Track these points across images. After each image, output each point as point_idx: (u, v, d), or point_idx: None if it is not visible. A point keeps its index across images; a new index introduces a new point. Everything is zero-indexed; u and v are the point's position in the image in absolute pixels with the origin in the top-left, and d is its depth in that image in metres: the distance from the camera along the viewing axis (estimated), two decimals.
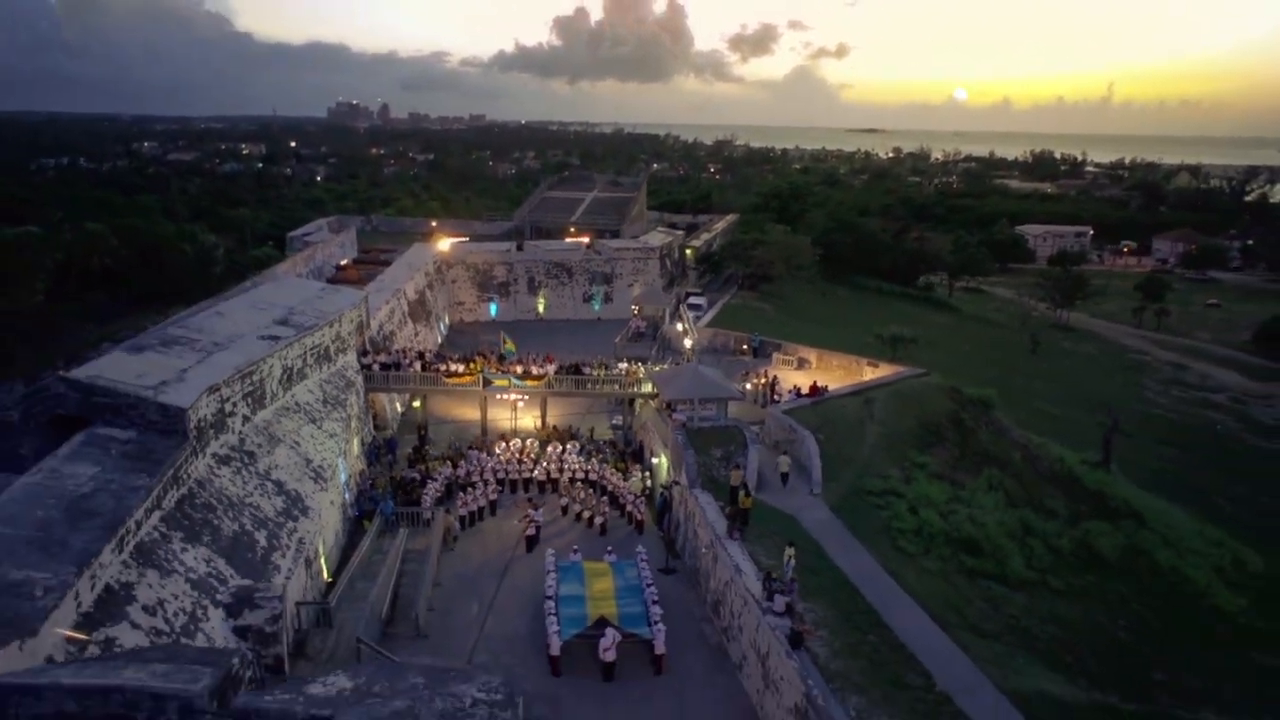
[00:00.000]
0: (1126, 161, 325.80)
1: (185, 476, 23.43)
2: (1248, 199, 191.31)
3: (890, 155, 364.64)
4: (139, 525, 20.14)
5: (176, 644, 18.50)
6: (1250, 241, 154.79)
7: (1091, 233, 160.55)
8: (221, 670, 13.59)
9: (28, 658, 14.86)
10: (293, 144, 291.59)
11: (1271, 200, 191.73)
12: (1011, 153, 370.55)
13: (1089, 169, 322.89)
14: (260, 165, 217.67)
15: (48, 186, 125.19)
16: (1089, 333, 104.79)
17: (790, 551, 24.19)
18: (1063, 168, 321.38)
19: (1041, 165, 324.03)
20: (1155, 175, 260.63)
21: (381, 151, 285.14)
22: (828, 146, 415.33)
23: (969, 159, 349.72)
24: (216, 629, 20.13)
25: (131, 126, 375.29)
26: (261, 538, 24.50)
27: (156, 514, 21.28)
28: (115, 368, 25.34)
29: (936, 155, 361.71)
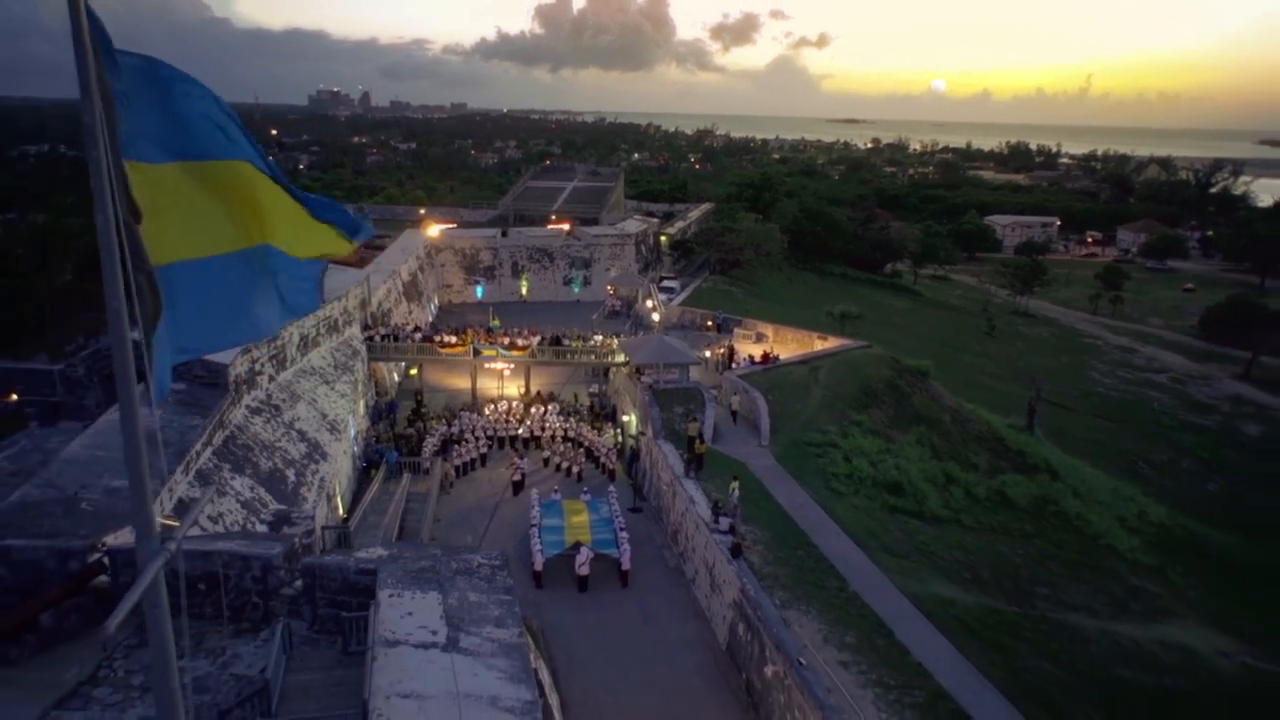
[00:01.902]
0: (1100, 153, 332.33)
1: (228, 421, 27.93)
2: (1212, 191, 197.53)
3: (869, 146, 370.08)
4: (198, 455, 24.67)
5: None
6: (1209, 232, 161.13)
7: (1058, 223, 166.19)
8: (288, 544, 18.26)
9: (134, 540, 19.40)
10: (274, 131, 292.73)
11: (1233, 192, 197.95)
12: (989, 144, 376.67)
13: (1063, 160, 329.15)
14: None
15: (32, 174, 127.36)
16: (1047, 318, 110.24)
17: (735, 484, 28.99)
18: (1038, 159, 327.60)
19: (1017, 157, 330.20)
20: (1126, 167, 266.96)
21: (363, 140, 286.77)
22: (807, 136, 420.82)
23: (946, 150, 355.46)
24: None
25: None
26: (291, 474, 29.04)
27: (209, 449, 25.80)
28: None
29: (915, 146, 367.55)
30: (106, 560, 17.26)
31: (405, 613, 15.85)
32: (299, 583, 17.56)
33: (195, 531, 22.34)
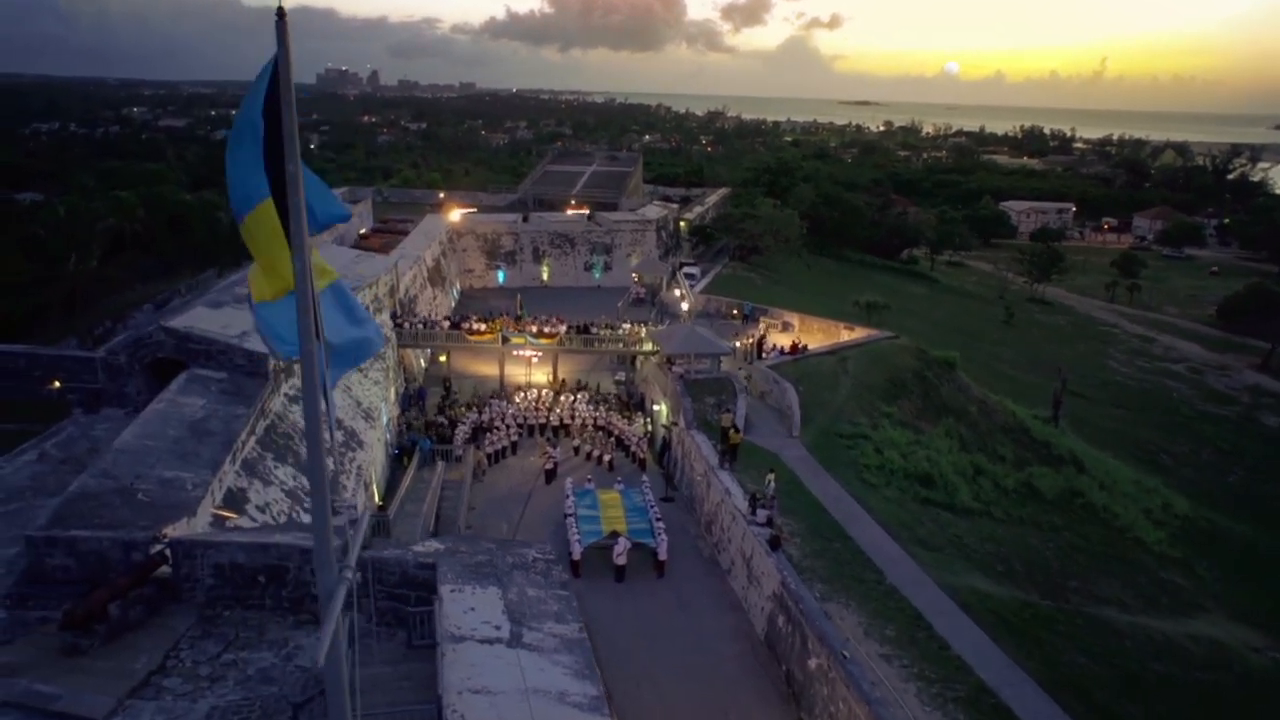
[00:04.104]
0: (1115, 138, 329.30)
1: (268, 410, 28.16)
2: (1229, 177, 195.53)
3: (881, 129, 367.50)
4: (244, 444, 24.90)
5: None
6: (1226, 219, 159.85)
7: (1074, 209, 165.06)
8: (344, 536, 18.47)
9: (192, 531, 19.65)
10: None
11: (1251, 179, 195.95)
12: (1002, 127, 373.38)
13: (1077, 145, 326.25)
14: None
15: (45, 153, 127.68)
16: (1063, 306, 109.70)
17: (771, 475, 29.14)
18: (1052, 143, 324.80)
19: (1031, 141, 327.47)
20: (1142, 152, 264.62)
21: (373, 120, 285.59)
22: (819, 119, 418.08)
23: (959, 134, 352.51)
24: None
25: (119, 91, 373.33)
26: (329, 463, 29.21)
27: (253, 438, 26.03)
28: (203, 320, 29.96)
29: (927, 129, 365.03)
30: (168, 551, 17.50)
31: (468, 608, 16.04)
32: (357, 575, 17.75)
33: (247, 523, 22.64)
